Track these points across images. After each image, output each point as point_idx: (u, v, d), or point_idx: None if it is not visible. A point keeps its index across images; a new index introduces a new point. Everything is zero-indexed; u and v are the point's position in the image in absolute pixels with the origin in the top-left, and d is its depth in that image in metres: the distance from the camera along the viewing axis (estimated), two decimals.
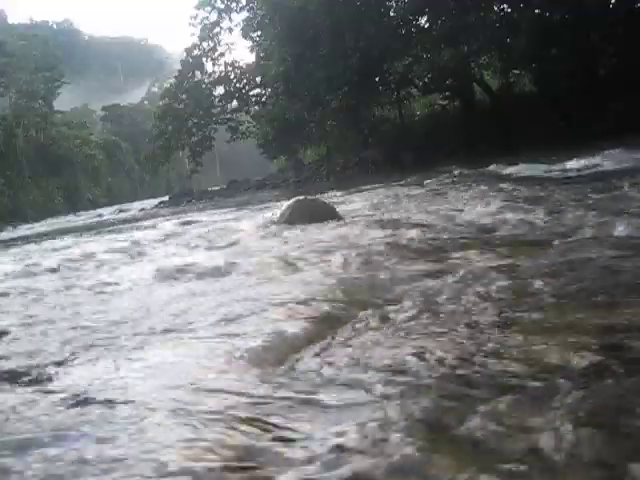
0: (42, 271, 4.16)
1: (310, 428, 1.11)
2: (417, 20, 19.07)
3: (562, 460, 0.91)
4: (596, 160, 7.27)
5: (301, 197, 5.62)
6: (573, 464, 0.90)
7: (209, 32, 28.93)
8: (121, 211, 23.62)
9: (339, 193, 9.39)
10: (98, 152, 51.95)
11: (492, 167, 9.26)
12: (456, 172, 9.54)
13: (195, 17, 28.75)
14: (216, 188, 28.26)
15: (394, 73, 17.96)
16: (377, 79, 19.52)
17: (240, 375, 1.46)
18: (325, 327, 1.85)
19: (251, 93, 30.47)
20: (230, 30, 28.96)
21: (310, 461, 0.99)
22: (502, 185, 6.17)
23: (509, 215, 3.77)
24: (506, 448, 0.96)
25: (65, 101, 54.36)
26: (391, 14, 19.54)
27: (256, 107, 30.03)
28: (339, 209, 5.55)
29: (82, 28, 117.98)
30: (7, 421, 1.28)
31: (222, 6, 28.34)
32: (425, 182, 8.58)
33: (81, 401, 1.36)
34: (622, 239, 2.57)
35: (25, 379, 1.62)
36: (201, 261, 3.66)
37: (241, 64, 30.23)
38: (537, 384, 1.21)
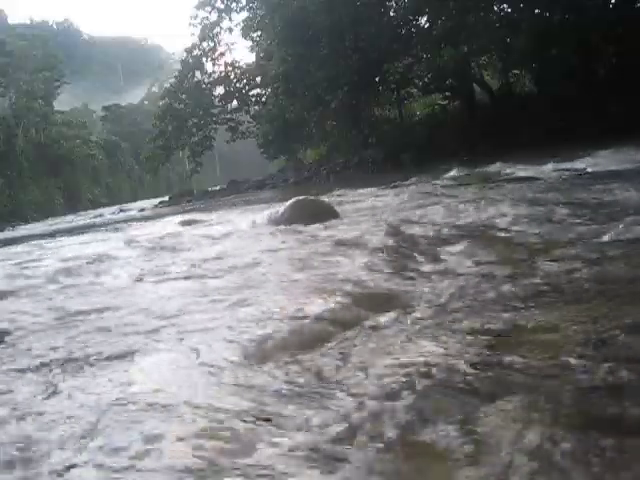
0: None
1: None
2: (417, 20, 19.07)
3: None
4: (596, 160, 7.27)
5: (301, 197, 5.61)
6: None
7: (209, 32, 28.93)
8: (122, 211, 23.65)
9: (339, 193, 9.37)
10: (98, 152, 51.90)
11: (492, 167, 9.25)
12: (456, 172, 9.55)
13: (195, 17, 28.78)
14: (216, 188, 28.25)
15: (394, 73, 17.96)
16: (377, 79, 19.51)
17: None
18: (324, 329, 1.85)
19: (251, 93, 30.47)
20: (230, 30, 28.98)
21: None
22: (501, 185, 6.17)
23: (508, 214, 3.77)
24: None
25: (65, 101, 54.33)
26: (391, 14, 19.54)
27: (256, 107, 30.03)
28: (339, 209, 5.55)
29: (82, 28, 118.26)
30: None
31: (222, 6, 28.34)
32: (425, 182, 8.58)
33: None
34: (618, 242, 2.57)
35: None
36: (201, 261, 3.66)
37: (241, 64, 30.26)
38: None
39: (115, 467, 1.09)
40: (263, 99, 28.83)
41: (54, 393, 1.53)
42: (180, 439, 1.15)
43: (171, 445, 1.14)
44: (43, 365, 1.79)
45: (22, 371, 1.77)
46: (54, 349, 1.96)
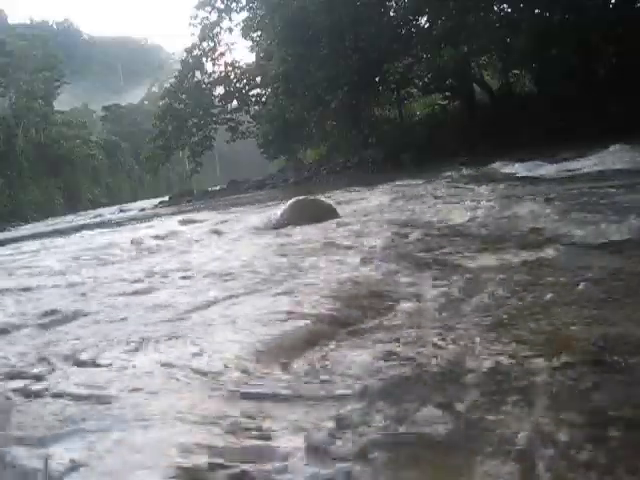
0: None
1: None
2: (417, 20, 19.09)
3: None
4: (596, 160, 7.27)
5: (301, 197, 5.61)
6: None
7: (209, 32, 28.95)
8: (122, 211, 23.66)
9: (339, 193, 9.38)
10: (98, 152, 51.93)
11: (492, 167, 9.26)
12: (456, 172, 9.56)
13: (195, 17, 28.80)
14: (216, 188, 28.26)
15: (394, 73, 17.97)
16: (377, 79, 19.53)
17: None
18: (326, 328, 1.85)
19: (251, 93, 30.50)
20: (230, 30, 29.01)
21: None
22: (501, 185, 6.17)
23: (508, 213, 3.77)
24: None
25: (65, 101, 54.35)
26: (391, 14, 19.55)
27: (256, 107, 30.05)
28: (339, 209, 5.55)
29: (82, 28, 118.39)
30: None
31: (222, 6, 28.37)
32: (425, 182, 8.58)
33: None
34: (619, 242, 2.57)
35: None
36: (200, 262, 3.66)
37: (241, 64, 30.29)
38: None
39: None
40: (263, 99, 28.86)
41: None
42: None
43: None
44: None
45: None
46: None
